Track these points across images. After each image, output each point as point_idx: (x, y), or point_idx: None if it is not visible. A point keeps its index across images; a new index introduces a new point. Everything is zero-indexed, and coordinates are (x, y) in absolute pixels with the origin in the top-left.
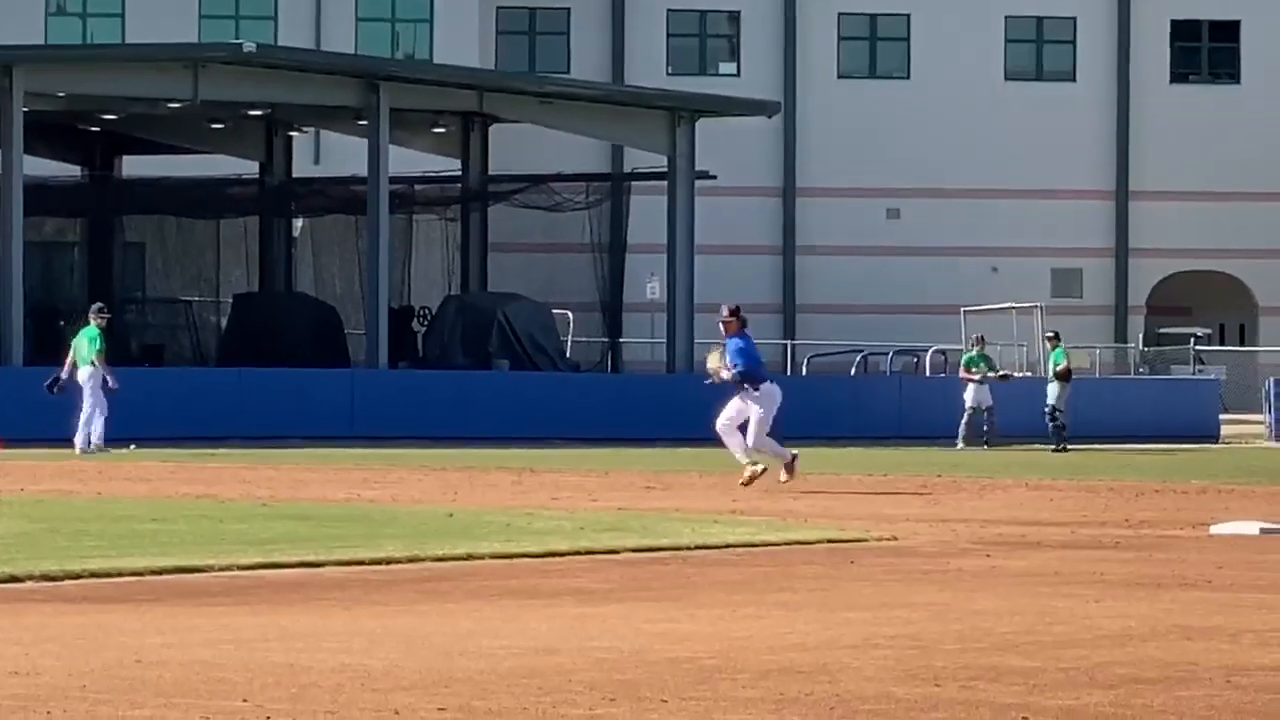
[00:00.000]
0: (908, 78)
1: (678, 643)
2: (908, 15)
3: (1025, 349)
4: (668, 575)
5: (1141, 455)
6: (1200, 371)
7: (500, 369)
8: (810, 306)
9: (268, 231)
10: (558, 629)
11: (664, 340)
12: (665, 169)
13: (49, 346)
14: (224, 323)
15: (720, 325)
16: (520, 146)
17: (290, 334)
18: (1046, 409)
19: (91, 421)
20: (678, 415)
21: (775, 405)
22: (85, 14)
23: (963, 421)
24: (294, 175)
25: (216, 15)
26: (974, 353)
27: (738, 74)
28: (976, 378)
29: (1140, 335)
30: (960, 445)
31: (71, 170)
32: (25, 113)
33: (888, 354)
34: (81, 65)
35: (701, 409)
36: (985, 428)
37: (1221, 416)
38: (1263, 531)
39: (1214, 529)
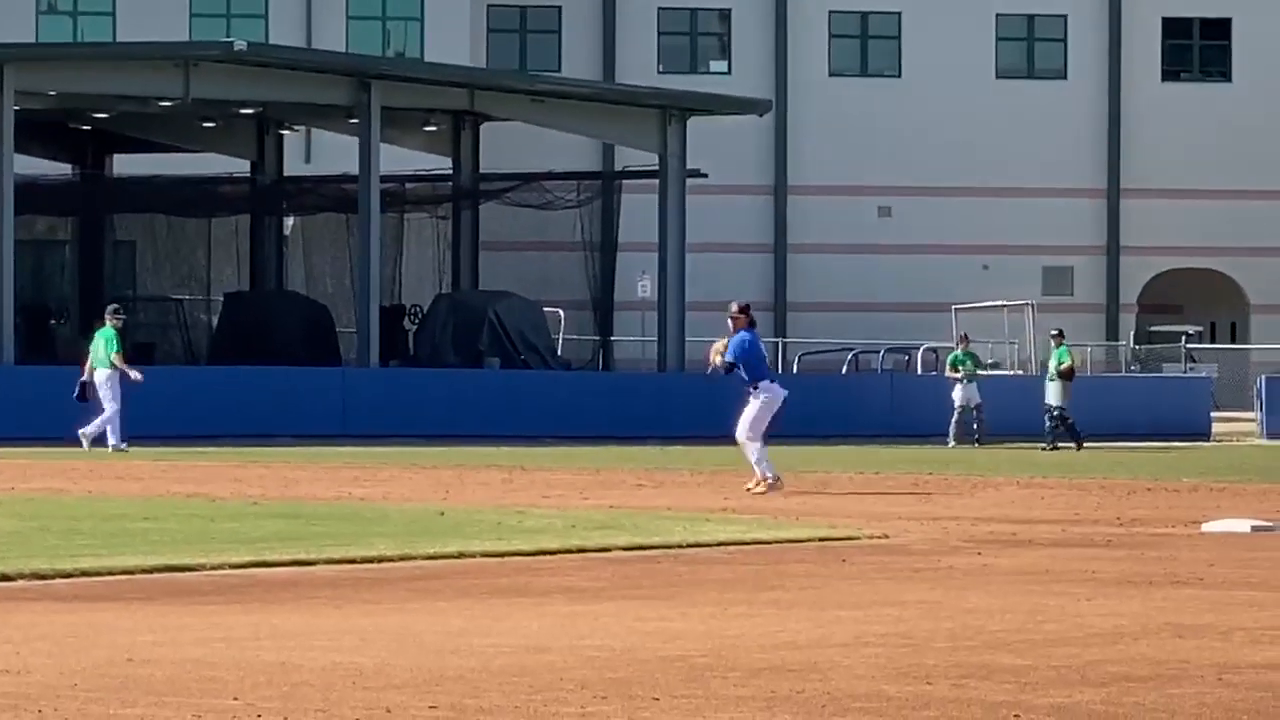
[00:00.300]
0: (899, 76)
1: (669, 641)
2: (899, 13)
3: (1016, 346)
4: (659, 573)
5: (1133, 453)
6: (1191, 369)
7: (491, 367)
8: (801, 305)
9: (259, 230)
10: (549, 627)
11: (655, 338)
12: (656, 167)
13: (40, 345)
14: (215, 321)
15: (729, 321)
16: (511, 145)
17: (281, 332)
18: (1047, 409)
19: (115, 420)
20: (669, 413)
21: (775, 404)
22: (76, 12)
23: (953, 420)
24: (285, 174)
25: (207, 14)
26: (959, 351)
27: (729, 72)
28: (959, 376)
29: (1131, 333)
30: (951, 444)
31: (62, 169)
32: (16, 111)
33: (879, 352)
34: (72, 63)
35: (692, 407)
36: (975, 426)
37: (1213, 414)
38: (1254, 529)
39: (1205, 527)
